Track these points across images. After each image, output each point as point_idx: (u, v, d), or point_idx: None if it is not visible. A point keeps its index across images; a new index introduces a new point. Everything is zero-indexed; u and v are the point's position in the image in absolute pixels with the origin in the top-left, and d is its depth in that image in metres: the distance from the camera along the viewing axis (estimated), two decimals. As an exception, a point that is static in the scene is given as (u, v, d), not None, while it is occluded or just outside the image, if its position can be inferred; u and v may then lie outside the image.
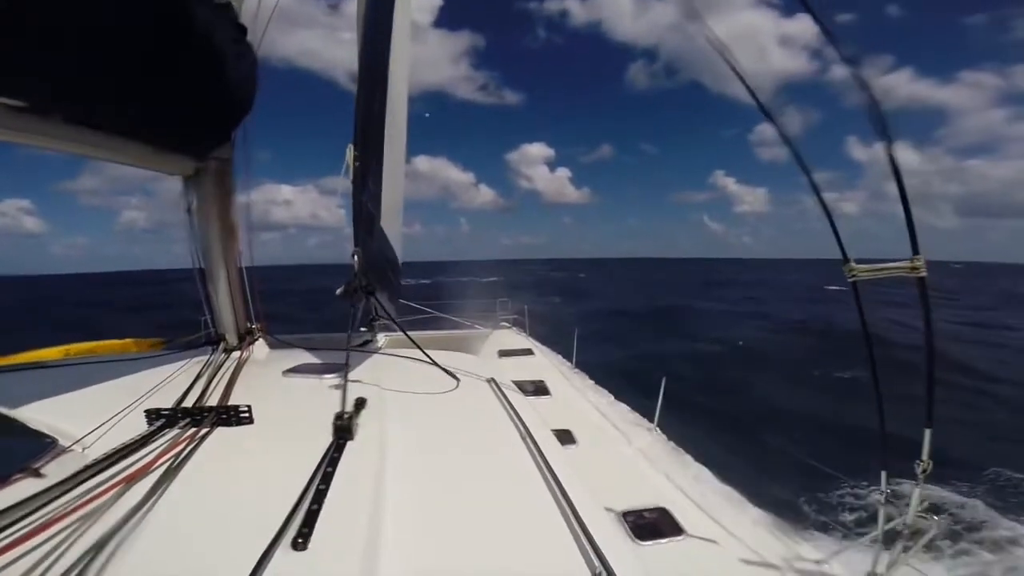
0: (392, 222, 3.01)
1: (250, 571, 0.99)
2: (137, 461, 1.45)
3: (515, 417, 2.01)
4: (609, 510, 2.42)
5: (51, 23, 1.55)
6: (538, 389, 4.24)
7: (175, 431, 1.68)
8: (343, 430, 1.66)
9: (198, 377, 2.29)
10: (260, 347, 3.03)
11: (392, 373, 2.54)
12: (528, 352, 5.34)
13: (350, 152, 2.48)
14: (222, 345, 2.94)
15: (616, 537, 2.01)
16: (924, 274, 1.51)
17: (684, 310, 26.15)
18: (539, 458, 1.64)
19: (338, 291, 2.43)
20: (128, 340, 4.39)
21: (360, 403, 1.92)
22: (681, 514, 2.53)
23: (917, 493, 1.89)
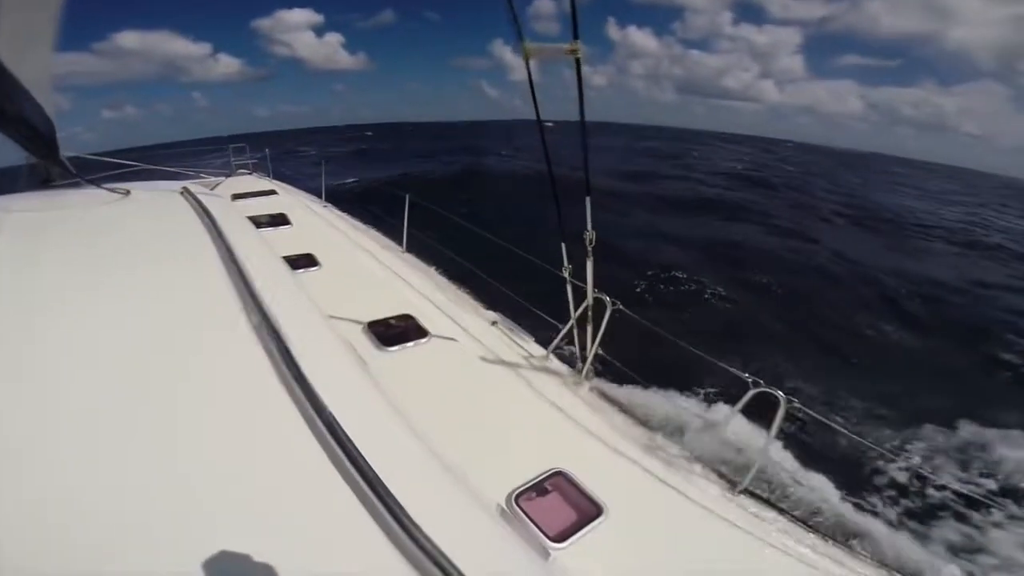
0: (31, 66, 2.27)
1: None
2: None
3: (214, 231, 1.86)
4: (355, 322, 2.55)
5: None
6: (275, 221, 4.02)
7: None
8: None
9: None
10: None
11: (48, 202, 2.18)
12: (271, 193, 5.00)
13: None
14: None
15: (358, 344, 2.09)
16: (580, 56, 1.96)
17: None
18: (241, 279, 1.50)
19: None
20: None
21: None
22: (426, 319, 2.74)
23: (590, 266, 2.26)
